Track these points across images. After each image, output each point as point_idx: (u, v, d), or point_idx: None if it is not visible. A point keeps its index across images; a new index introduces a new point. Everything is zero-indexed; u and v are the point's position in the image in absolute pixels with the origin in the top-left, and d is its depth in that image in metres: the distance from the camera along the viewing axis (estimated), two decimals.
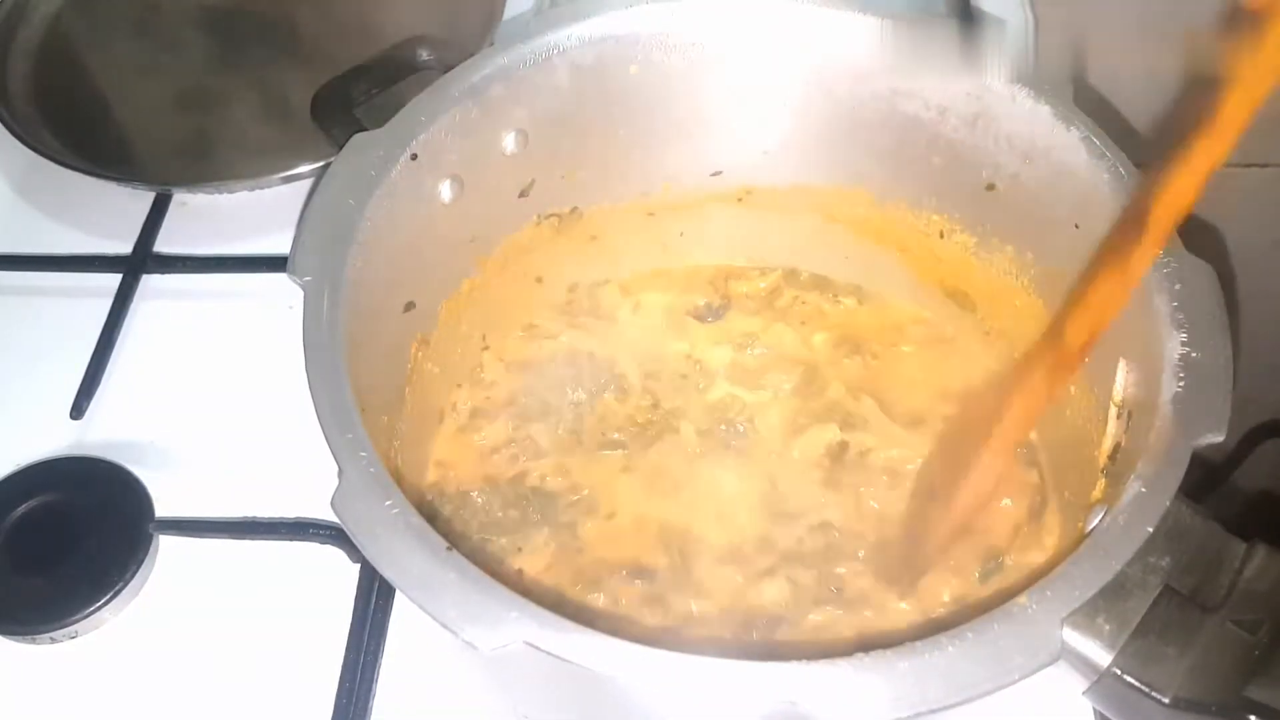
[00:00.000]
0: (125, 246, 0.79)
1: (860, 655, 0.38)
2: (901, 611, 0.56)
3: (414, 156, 0.55)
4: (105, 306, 0.75)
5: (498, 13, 0.86)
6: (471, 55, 0.58)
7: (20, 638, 0.61)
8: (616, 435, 0.63)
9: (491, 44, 0.59)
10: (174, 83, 0.90)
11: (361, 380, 0.47)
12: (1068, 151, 0.54)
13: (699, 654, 0.38)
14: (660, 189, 0.67)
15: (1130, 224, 0.47)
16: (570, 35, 0.58)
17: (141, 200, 0.81)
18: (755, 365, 0.66)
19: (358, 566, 0.63)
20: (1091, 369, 0.55)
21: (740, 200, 0.68)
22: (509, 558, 0.59)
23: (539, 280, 0.68)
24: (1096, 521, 0.45)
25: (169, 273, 0.78)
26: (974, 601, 0.57)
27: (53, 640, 0.61)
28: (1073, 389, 0.57)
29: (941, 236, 0.64)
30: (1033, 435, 0.62)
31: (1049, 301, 0.58)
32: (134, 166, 0.84)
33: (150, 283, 0.78)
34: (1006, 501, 0.59)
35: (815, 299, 0.70)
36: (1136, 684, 0.39)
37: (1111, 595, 0.40)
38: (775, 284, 0.70)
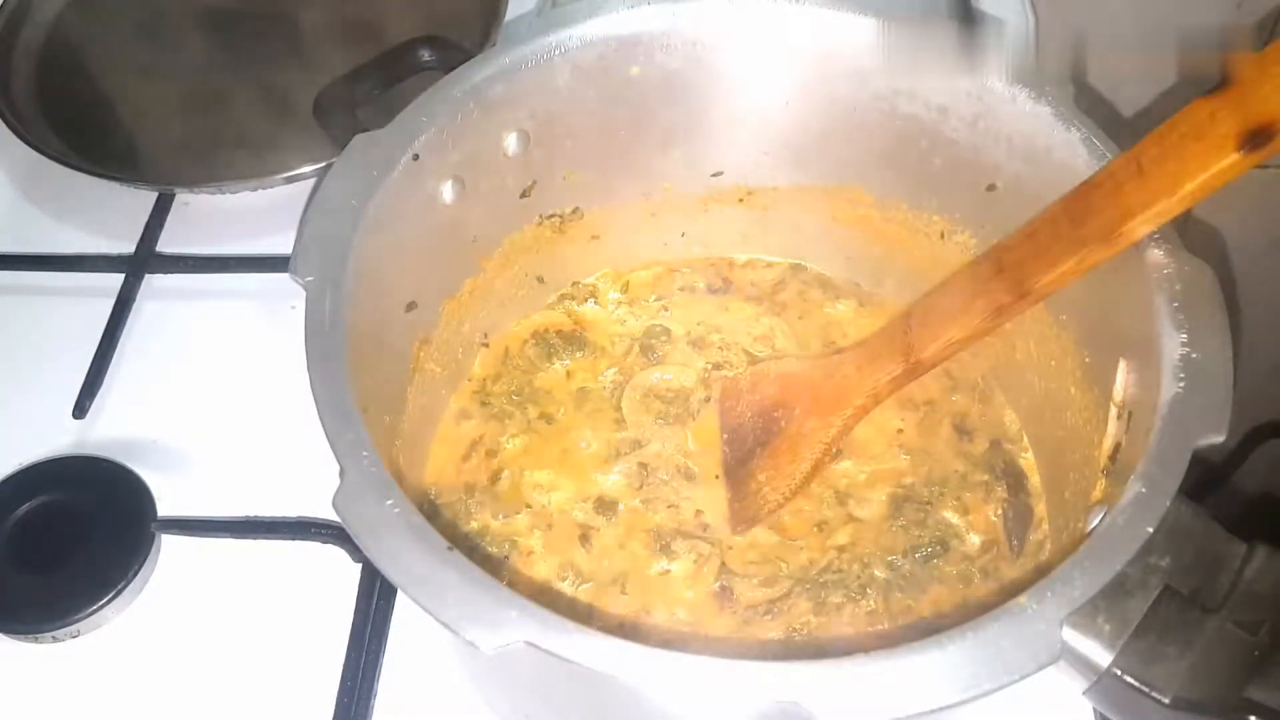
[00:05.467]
0: (128, 246, 0.79)
1: (860, 655, 0.38)
2: None
3: (416, 157, 0.55)
4: (108, 306, 0.75)
5: (500, 13, 0.86)
6: (473, 56, 0.59)
7: (23, 636, 0.61)
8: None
9: (493, 45, 0.59)
10: (176, 83, 0.90)
11: (363, 380, 0.48)
12: (1069, 151, 0.54)
13: (700, 654, 0.38)
14: (661, 189, 0.67)
15: (1010, 280, 0.49)
16: (572, 36, 0.58)
17: (144, 200, 0.82)
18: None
19: (359, 566, 0.63)
20: (1092, 369, 0.55)
21: (741, 200, 0.68)
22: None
23: (540, 280, 0.68)
24: (1097, 521, 0.45)
25: (171, 272, 0.78)
26: (974, 601, 0.57)
27: (55, 639, 0.61)
28: (1072, 389, 0.57)
29: (942, 237, 0.64)
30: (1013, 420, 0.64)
31: (1049, 302, 0.58)
32: (137, 167, 0.84)
33: (153, 282, 0.78)
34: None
35: (818, 296, 0.70)
36: (1137, 684, 0.39)
37: (1111, 595, 0.40)
38: (781, 276, 0.71)
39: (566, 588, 0.58)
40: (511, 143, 0.60)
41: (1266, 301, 1.00)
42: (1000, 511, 0.60)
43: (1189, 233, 0.48)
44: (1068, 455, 0.57)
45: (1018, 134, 0.56)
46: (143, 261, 0.78)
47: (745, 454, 0.61)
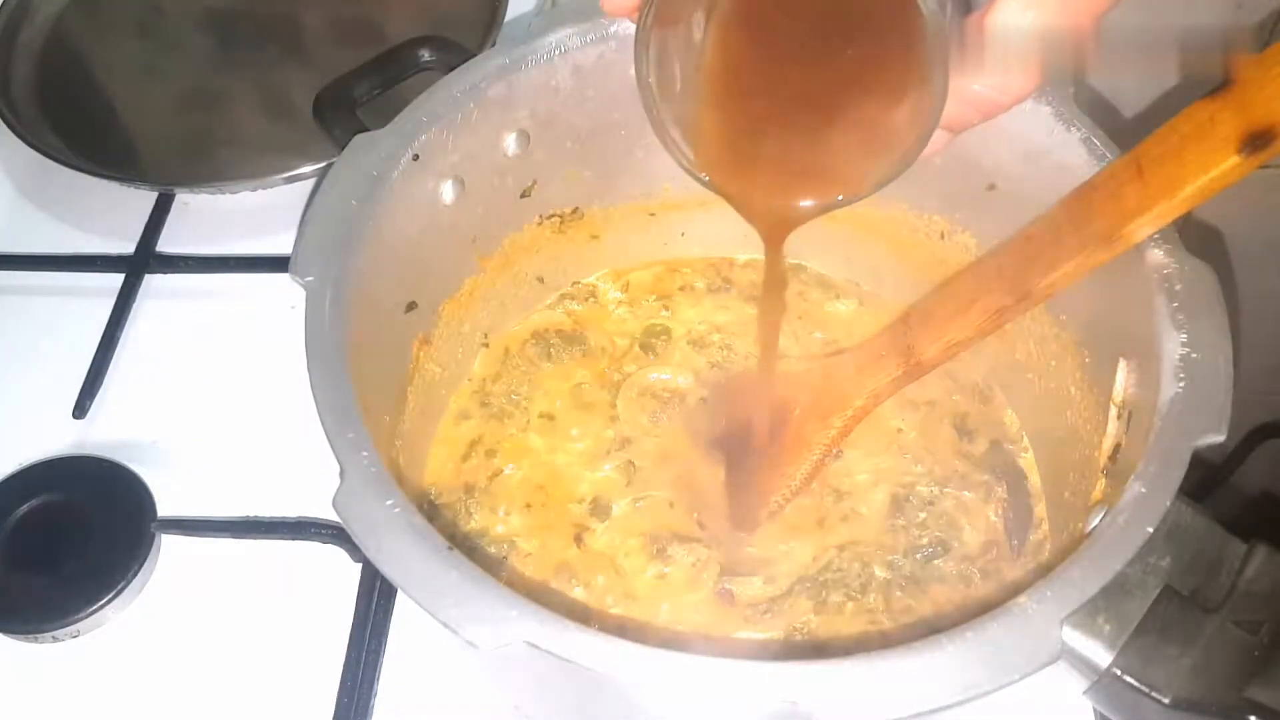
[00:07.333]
0: (128, 246, 0.79)
1: (860, 655, 0.38)
2: None
3: (416, 157, 0.55)
4: (108, 306, 0.75)
5: (500, 13, 0.86)
6: (473, 56, 0.59)
7: (22, 636, 0.61)
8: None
9: (493, 44, 0.59)
10: (177, 83, 0.90)
11: (363, 380, 0.48)
12: (1068, 151, 0.54)
13: (699, 654, 0.38)
14: (661, 189, 0.67)
15: (1011, 282, 0.49)
16: (572, 36, 0.58)
17: (144, 200, 0.81)
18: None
19: (359, 566, 0.63)
20: (1092, 369, 0.55)
21: None
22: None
23: (540, 280, 0.68)
24: (1096, 522, 0.45)
25: (171, 272, 0.78)
26: (974, 601, 0.57)
27: (55, 639, 0.61)
28: (1072, 389, 0.57)
29: (943, 237, 0.64)
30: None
31: (1049, 302, 0.58)
32: (136, 166, 0.84)
33: (153, 282, 0.78)
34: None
35: (818, 296, 0.70)
36: (1137, 684, 0.39)
37: (1112, 595, 0.40)
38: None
39: (565, 587, 0.58)
40: (511, 143, 0.60)
41: (1266, 302, 1.00)
42: (1000, 511, 0.60)
43: (1189, 233, 0.48)
44: (1068, 455, 0.57)
45: (1018, 134, 0.56)
46: (142, 261, 0.78)
47: (744, 455, 0.61)
